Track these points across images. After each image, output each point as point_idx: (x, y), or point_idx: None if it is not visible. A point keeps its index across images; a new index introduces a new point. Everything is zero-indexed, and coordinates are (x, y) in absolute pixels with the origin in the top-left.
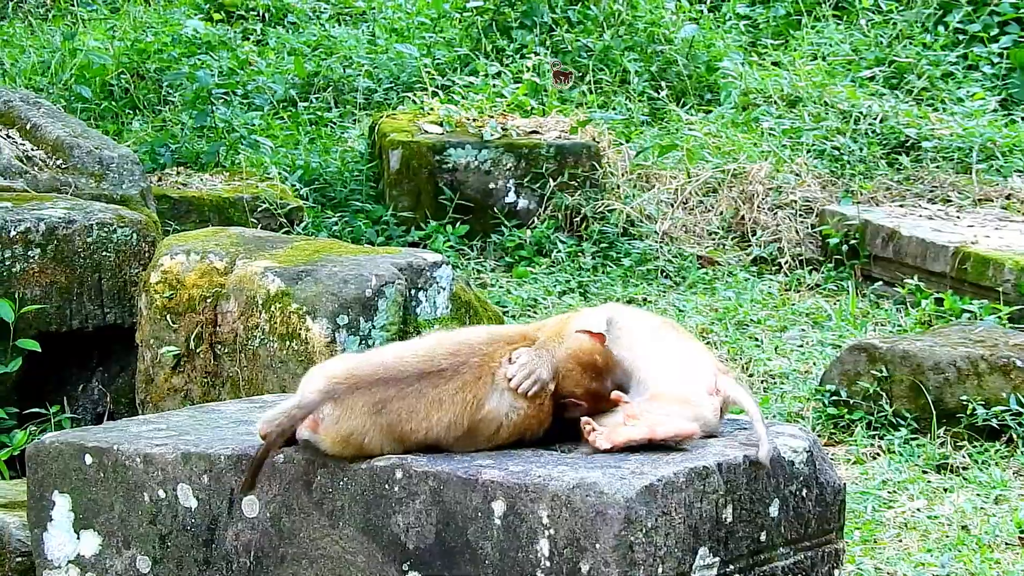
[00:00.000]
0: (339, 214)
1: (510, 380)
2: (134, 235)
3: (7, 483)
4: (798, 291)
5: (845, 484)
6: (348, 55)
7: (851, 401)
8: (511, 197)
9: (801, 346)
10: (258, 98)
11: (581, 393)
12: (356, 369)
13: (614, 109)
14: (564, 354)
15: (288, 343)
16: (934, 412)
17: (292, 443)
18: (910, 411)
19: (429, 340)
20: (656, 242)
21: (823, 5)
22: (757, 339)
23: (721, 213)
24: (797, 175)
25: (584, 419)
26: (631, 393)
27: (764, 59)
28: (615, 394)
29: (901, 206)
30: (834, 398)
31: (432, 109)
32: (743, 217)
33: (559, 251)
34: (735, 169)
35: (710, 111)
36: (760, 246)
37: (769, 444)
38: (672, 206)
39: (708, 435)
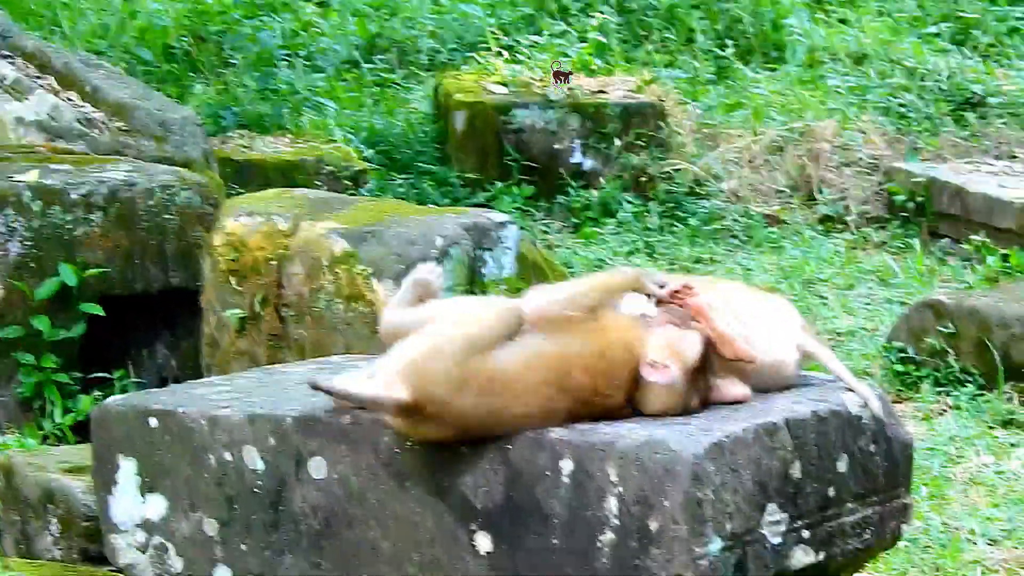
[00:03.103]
0: (404, 176)
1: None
2: (197, 197)
3: (72, 448)
4: (865, 249)
5: (913, 438)
6: (412, 16)
7: (918, 358)
8: (577, 157)
9: (868, 304)
10: (321, 60)
11: None
12: (449, 397)
13: (680, 68)
14: None
15: (354, 305)
16: (1001, 368)
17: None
18: (977, 367)
19: (535, 346)
20: (723, 201)
21: None
22: (824, 297)
23: (787, 171)
24: (863, 133)
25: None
26: None
27: (830, 16)
28: (744, 352)
29: (967, 163)
30: (901, 355)
31: (497, 69)
32: (809, 175)
33: (625, 211)
34: (801, 127)
35: (776, 69)
36: (827, 204)
37: (874, 396)
38: (738, 165)
39: (786, 387)
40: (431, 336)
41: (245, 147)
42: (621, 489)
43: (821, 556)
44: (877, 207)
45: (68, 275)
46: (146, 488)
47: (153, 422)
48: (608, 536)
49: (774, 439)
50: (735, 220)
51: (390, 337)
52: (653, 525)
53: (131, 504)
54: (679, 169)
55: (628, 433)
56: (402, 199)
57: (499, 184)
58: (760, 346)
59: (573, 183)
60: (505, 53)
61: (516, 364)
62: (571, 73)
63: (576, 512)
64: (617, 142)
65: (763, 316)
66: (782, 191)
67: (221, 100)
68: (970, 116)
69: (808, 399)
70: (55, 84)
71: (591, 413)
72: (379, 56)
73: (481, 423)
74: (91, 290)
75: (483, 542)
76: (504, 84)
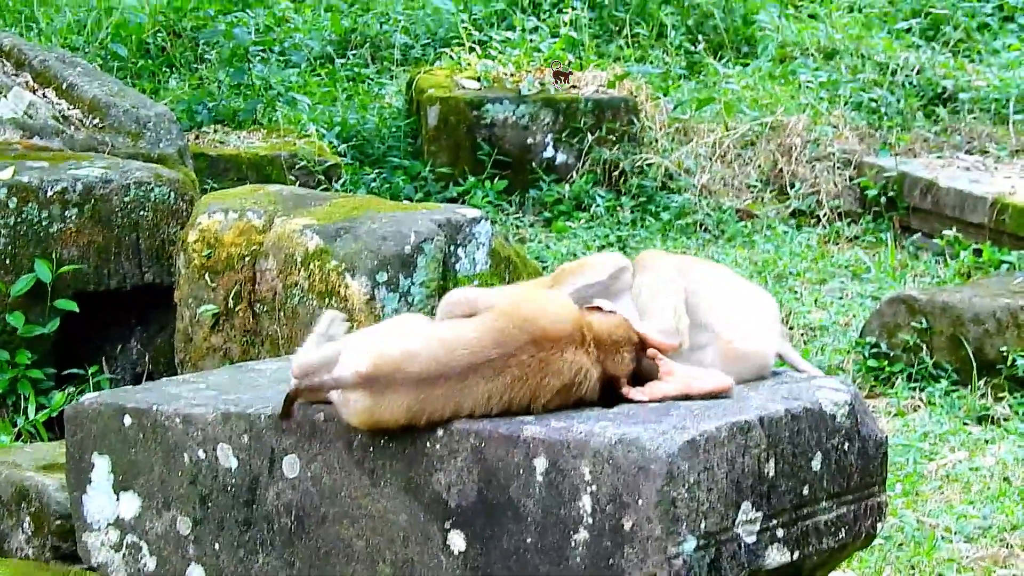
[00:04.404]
0: (377, 171)
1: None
2: (172, 194)
3: (46, 445)
4: (837, 243)
5: (887, 437)
6: (385, 11)
7: (891, 353)
8: (549, 152)
9: (841, 298)
10: (295, 55)
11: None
12: (406, 362)
13: (651, 63)
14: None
15: (327, 301)
16: (974, 363)
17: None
18: (950, 363)
19: (481, 323)
20: (695, 196)
21: None
22: (796, 292)
23: (759, 166)
24: (835, 127)
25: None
26: (692, 335)
27: (800, 11)
28: (650, 351)
29: (939, 157)
30: (874, 350)
31: (469, 64)
32: (781, 170)
33: (598, 205)
34: (773, 122)
35: (747, 64)
36: (799, 199)
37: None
38: (710, 159)
39: (760, 377)
40: (383, 324)
41: (219, 142)
42: (595, 488)
43: (796, 555)
44: (849, 202)
45: (43, 271)
46: (119, 486)
47: (127, 420)
48: (582, 535)
49: (748, 437)
50: (707, 214)
51: (304, 374)
52: (627, 524)
53: (104, 502)
54: (651, 163)
55: (602, 431)
56: (375, 194)
57: (472, 178)
58: (745, 337)
59: (545, 177)
60: (477, 48)
61: (467, 327)
62: (571, 72)
63: (550, 511)
64: (589, 137)
65: (750, 308)
66: (754, 186)
67: (196, 95)
68: (941, 111)
69: (782, 397)
70: (31, 81)
71: (561, 386)
72: (352, 51)
73: (432, 387)
74: (66, 286)
75: (457, 541)
76: (477, 79)
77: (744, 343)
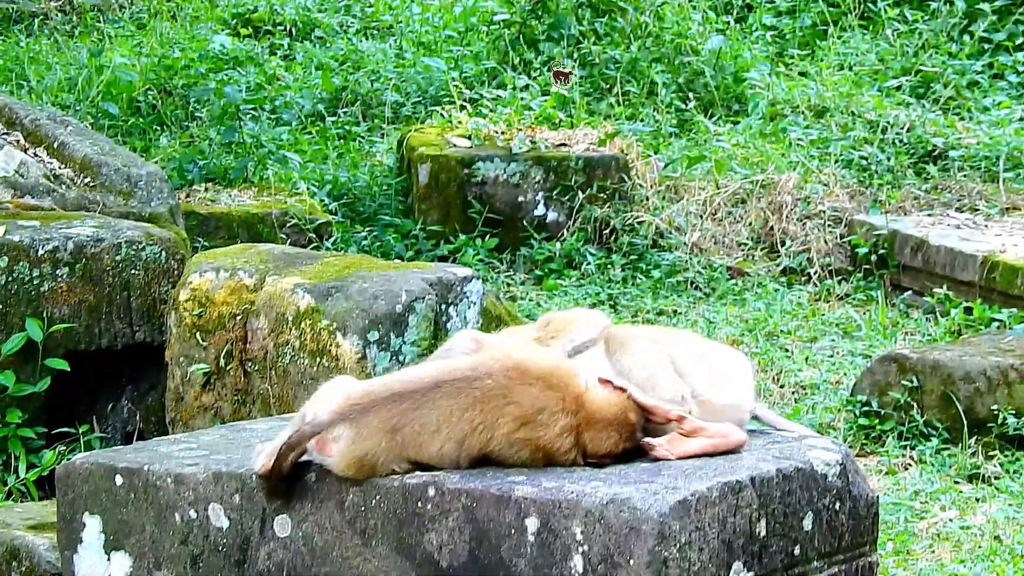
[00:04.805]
0: (368, 229)
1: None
2: (163, 253)
3: (36, 504)
4: (828, 301)
5: (878, 497)
6: (376, 69)
7: (882, 411)
8: (540, 210)
9: (831, 356)
10: (286, 113)
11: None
12: (375, 387)
13: (642, 121)
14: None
15: (319, 360)
16: (965, 422)
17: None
18: (941, 421)
19: (465, 356)
20: (685, 253)
21: (849, 15)
22: (787, 350)
23: (750, 224)
24: (825, 185)
25: (645, 440)
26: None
27: (791, 69)
28: (674, 413)
29: (929, 215)
30: (865, 408)
31: (460, 123)
32: (772, 228)
33: (588, 263)
34: (763, 180)
35: (738, 122)
36: (789, 256)
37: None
38: (701, 217)
39: None
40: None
41: (210, 200)
42: (586, 547)
43: None
44: (840, 259)
45: (34, 330)
46: (111, 546)
47: (119, 480)
48: None
49: (740, 497)
50: (698, 272)
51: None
52: None
53: (96, 562)
54: (642, 221)
55: (593, 491)
56: (366, 252)
57: (463, 236)
58: (721, 392)
59: (536, 235)
60: (468, 106)
61: (451, 359)
62: (571, 72)
63: (541, 571)
64: (580, 195)
65: (724, 366)
66: (745, 243)
67: (186, 153)
68: (931, 169)
69: (773, 457)
70: (23, 140)
71: (534, 439)
72: (343, 109)
73: (401, 400)
74: (57, 345)
75: None
76: (467, 137)
77: (720, 398)
